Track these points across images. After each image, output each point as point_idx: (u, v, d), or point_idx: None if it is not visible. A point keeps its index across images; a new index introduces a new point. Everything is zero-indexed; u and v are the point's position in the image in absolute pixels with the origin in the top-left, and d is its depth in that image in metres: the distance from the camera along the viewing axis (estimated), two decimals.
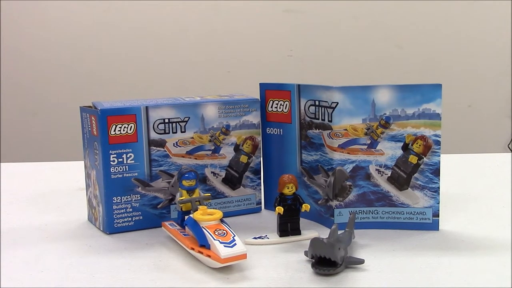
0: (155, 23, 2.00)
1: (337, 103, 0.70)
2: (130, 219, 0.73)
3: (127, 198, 0.72)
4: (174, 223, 0.69)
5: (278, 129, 0.78)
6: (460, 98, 1.97)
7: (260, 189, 0.80)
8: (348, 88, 0.69)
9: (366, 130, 0.70)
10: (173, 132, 0.74)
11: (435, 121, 0.69)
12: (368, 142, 0.70)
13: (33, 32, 2.01)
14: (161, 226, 0.71)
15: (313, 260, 0.58)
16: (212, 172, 0.77)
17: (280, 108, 0.77)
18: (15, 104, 2.05)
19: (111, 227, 0.72)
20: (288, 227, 0.68)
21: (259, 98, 0.79)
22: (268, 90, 0.78)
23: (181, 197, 0.67)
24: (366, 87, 0.69)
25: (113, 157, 0.71)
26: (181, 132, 0.74)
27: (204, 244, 0.60)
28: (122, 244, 0.68)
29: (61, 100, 2.03)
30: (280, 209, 0.67)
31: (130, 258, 0.64)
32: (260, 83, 0.80)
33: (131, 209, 0.72)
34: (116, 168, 0.71)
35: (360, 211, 0.71)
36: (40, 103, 2.04)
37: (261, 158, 0.80)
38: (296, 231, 0.69)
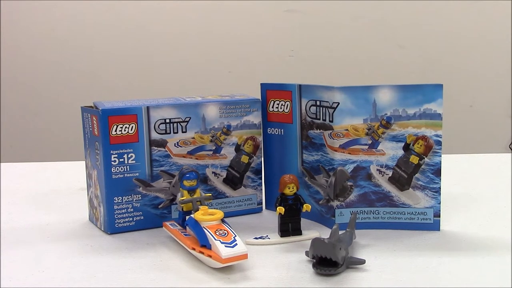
0: (156, 23, 2.00)
1: (338, 103, 0.70)
2: (131, 219, 0.73)
3: (128, 198, 0.72)
4: (175, 223, 0.69)
5: (279, 129, 0.78)
6: (461, 98, 1.97)
7: (261, 189, 0.80)
8: (349, 88, 0.69)
9: (367, 130, 0.70)
10: (174, 132, 0.74)
11: (436, 121, 0.69)
12: (369, 142, 0.70)
13: (33, 32, 2.01)
14: (162, 226, 0.71)
15: (314, 260, 0.58)
16: (213, 172, 0.77)
17: (281, 108, 0.77)
18: (16, 104, 2.05)
19: (112, 227, 0.72)
20: (289, 227, 0.68)
21: (260, 98, 0.79)
22: (269, 90, 0.78)
23: (182, 197, 0.67)
24: (367, 87, 0.69)
25: (114, 157, 0.71)
26: (182, 132, 0.74)
27: (205, 244, 0.60)
28: (123, 244, 0.68)
29: (62, 100, 2.03)
30: (281, 209, 0.67)
31: (131, 258, 0.64)
32: (261, 83, 0.80)
33: (132, 209, 0.72)
34: (117, 168, 0.71)
35: (361, 211, 0.71)
36: (41, 103, 2.04)
37: (262, 158, 0.80)
38: (297, 231, 0.69)
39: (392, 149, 0.70)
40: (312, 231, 0.70)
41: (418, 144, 0.69)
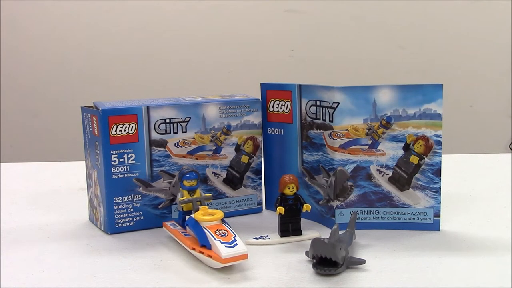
0: (157, 23, 2.00)
1: (338, 103, 0.70)
2: (131, 219, 0.73)
3: (128, 198, 0.72)
4: (175, 223, 0.69)
5: (279, 129, 0.78)
6: (461, 99, 1.97)
7: (261, 189, 0.80)
8: (349, 88, 0.69)
9: (367, 130, 0.70)
10: (174, 132, 0.74)
11: (436, 121, 0.69)
12: (369, 142, 0.70)
13: (33, 32, 2.01)
14: (162, 226, 0.71)
15: (314, 261, 0.58)
16: (213, 172, 0.77)
17: (281, 108, 0.77)
18: (16, 104, 2.05)
19: (112, 227, 0.72)
20: (289, 227, 0.68)
21: (260, 98, 0.79)
22: (269, 90, 0.78)
23: (182, 197, 0.67)
24: (367, 87, 0.69)
25: (114, 157, 0.71)
26: (182, 132, 0.74)
27: (205, 244, 0.60)
28: (123, 244, 0.68)
29: (62, 100, 2.03)
30: (281, 209, 0.67)
31: (131, 258, 0.64)
32: (261, 83, 0.80)
33: (132, 209, 0.72)
34: (117, 168, 0.71)
35: (361, 212, 0.71)
36: (41, 103, 2.04)
37: (262, 158, 0.80)
38: (297, 231, 0.69)
39: (392, 149, 0.70)
40: (312, 231, 0.70)
41: (418, 144, 0.69)
